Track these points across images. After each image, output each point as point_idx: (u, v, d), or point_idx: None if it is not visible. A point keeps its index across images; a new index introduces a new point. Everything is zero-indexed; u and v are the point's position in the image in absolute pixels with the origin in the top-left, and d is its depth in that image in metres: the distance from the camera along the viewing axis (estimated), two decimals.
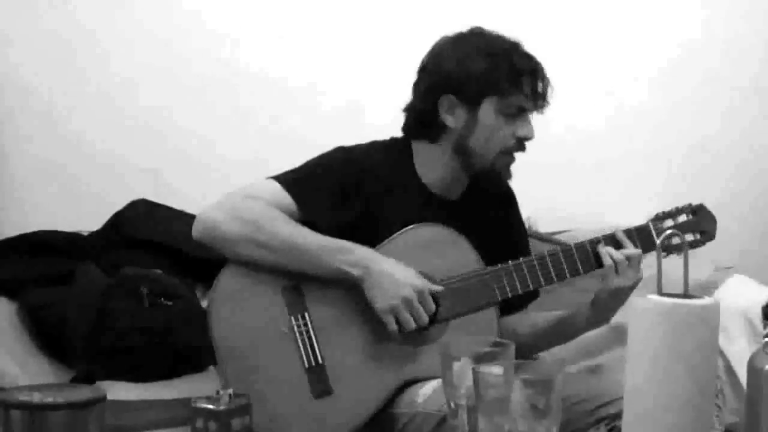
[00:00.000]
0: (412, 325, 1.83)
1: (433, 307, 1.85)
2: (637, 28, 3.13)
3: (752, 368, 1.29)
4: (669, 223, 2.01)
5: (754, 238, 3.17)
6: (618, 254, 1.89)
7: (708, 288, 2.56)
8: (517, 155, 1.99)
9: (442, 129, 1.97)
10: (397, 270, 1.84)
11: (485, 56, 1.92)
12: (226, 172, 2.83)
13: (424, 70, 1.99)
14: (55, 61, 2.84)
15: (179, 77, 2.90)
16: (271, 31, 2.96)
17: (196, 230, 1.91)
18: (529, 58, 1.95)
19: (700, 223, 2.03)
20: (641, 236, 1.96)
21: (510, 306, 2.03)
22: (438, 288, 1.88)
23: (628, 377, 1.27)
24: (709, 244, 2.05)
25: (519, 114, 1.94)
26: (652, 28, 3.13)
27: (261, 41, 2.94)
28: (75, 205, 2.82)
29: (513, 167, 2.01)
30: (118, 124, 2.88)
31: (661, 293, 1.27)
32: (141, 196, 2.71)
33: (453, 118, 1.95)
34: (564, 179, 3.04)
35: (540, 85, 1.95)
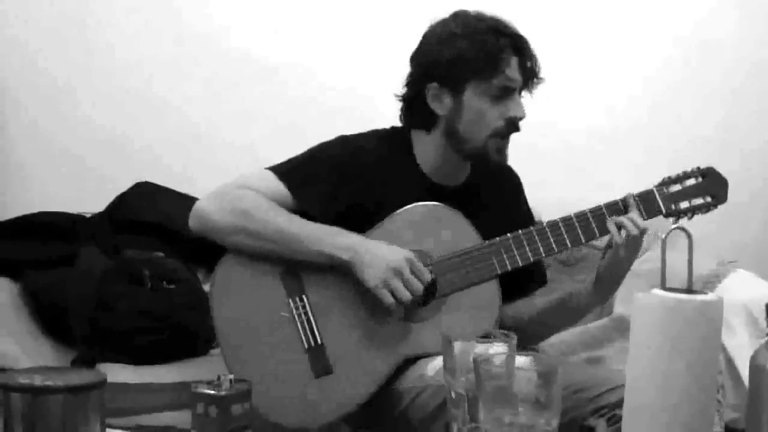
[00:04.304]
0: (407, 294, 1.82)
1: (427, 274, 1.85)
2: (638, 20, 3.11)
3: (755, 366, 1.28)
4: (676, 188, 1.94)
5: (758, 233, 3.16)
6: (625, 219, 1.84)
7: (711, 282, 2.55)
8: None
9: (432, 117, 1.96)
10: (384, 247, 1.85)
11: (462, 40, 1.90)
12: (232, 158, 2.83)
13: (411, 60, 1.99)
14: (63, 42, 2.83)
15: (188, 62, 2.90)
16: (279, 19, 2.95)
17: (192, 221, 1.94)
18: (509, 37, 1.91)
19: (709, 187, 1.95)
20: (645, 203, 1.92)
21: (515, 291, 2.02)
22: (430, 264, 1.86)
23: (629, 371, 1.26)
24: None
25: (505, 94, 1.91)
26: (655, 20, 3.12)
27: (269, 30, 2.94)
28: (80, 187, 2.82)
29: (514, 161, 1.98)
30: (125, 107, 2.87)
31: (664, 288, 1.26)
32: (146, 179, 2.70)
33: (440, 105, 1.94)
34: (565, 171, 3.03)
35: (524, 62, 1.91)
